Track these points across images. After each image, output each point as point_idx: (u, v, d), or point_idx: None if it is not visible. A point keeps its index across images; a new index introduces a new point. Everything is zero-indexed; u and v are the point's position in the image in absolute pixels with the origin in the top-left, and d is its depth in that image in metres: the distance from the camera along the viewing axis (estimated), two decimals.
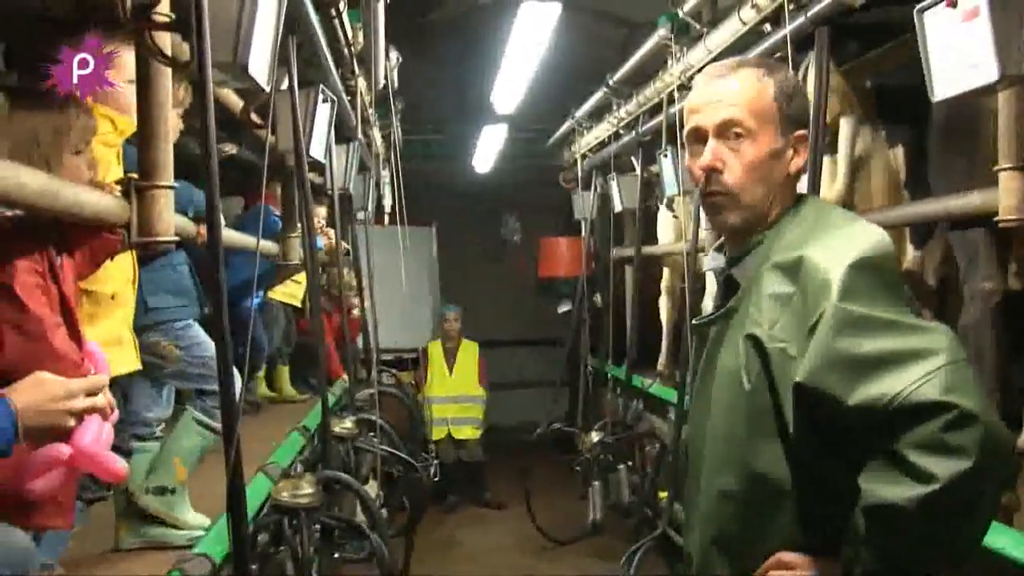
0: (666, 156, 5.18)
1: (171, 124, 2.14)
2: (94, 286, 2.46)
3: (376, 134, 6.28)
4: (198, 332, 3.12)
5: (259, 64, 2.19)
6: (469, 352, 8.80)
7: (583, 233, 8.06)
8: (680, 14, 4.48)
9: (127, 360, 2.63)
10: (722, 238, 1.93)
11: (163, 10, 1.96)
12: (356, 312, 6.04)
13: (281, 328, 5.67)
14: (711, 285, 5.21)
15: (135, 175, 2.05)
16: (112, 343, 2.47)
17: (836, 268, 1.58)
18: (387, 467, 5.15)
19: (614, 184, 6.89)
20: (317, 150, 3.76)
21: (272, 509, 3.23)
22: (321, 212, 5.36)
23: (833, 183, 3.74)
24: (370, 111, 5.45)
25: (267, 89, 2.32)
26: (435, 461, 5.77)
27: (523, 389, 10.43)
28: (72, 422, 1.72)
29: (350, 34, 4.22)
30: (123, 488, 2.83)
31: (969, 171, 2.63)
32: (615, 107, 6.38)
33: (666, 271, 6.47)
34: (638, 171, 6.33)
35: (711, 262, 1.93)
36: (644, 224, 6.49)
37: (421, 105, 8.00)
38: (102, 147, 2.30)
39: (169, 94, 2.12)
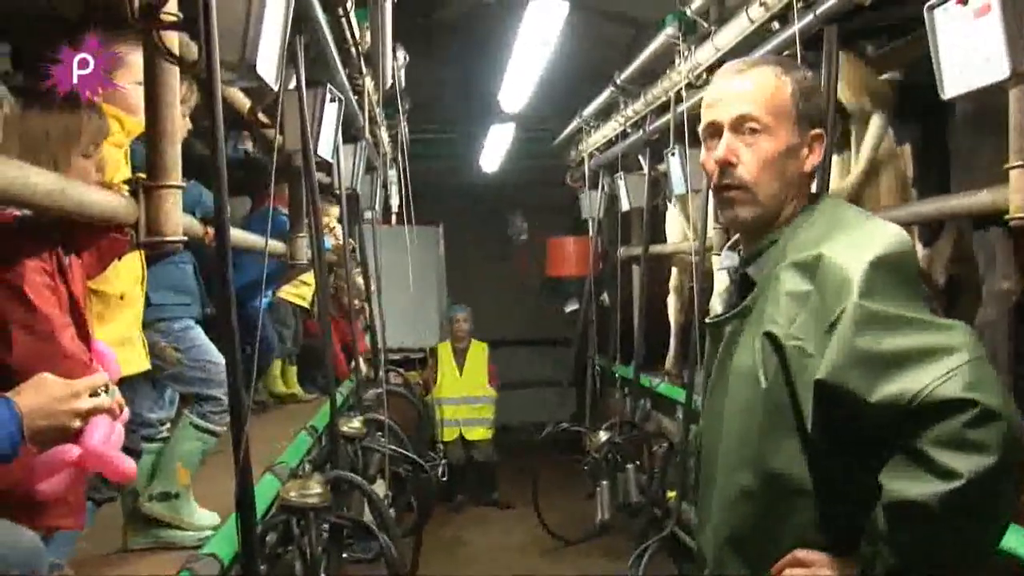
0: (674, 155, 5.17)
1: (178, 124, 2.14)
2: (102, 286, 2.45)
3: (383, 134, 6.28)
4: (198, 335, 3.11)
5: (267, 63, 2.19)
6: (479, 352, 8.79)
7: (590, 232, 8.06)
8: (688, 12, 4.47)
9: (136, 360, 2.63)
10: (736, 236, 1.93)
11: (171, 10, 1.96)
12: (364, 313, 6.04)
13: (291, 329, 5.68)
14: (719, 284, 5.19)
15: (143, 175, 2.05)
16: (121, 343, 2.47)
17: (855, 266, 1.58)
18: (395, 467, 5.14)
19: (621, 183, 6.88)
20: (325, 150, 3.76)
21: (280, 509, 3.22)
22: (333, 212, 5.36)
23: (842, 179, 3.74)
24: (377, 111, 5.45)
25: (275, 88, 2.32)
26: (443, 461, 5.75)
27: (530, 389, 10.42)
28: (78, 423, 1.72)
29: (357, 33, 4.22)
30: (131, 489, 2.83)
31: (996, 164, 2.61)
32: (622, 106, 6.37)
33: (674, 270, 6.47)
34: (645, 170, 6.32)
35: (725, 260, 1.92)
36: (651, 223, 6.48)
37: (428, 104, 7.99)
38: (110, 147, 2.30)
39: (177, 94, 2.11)
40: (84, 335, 2.05)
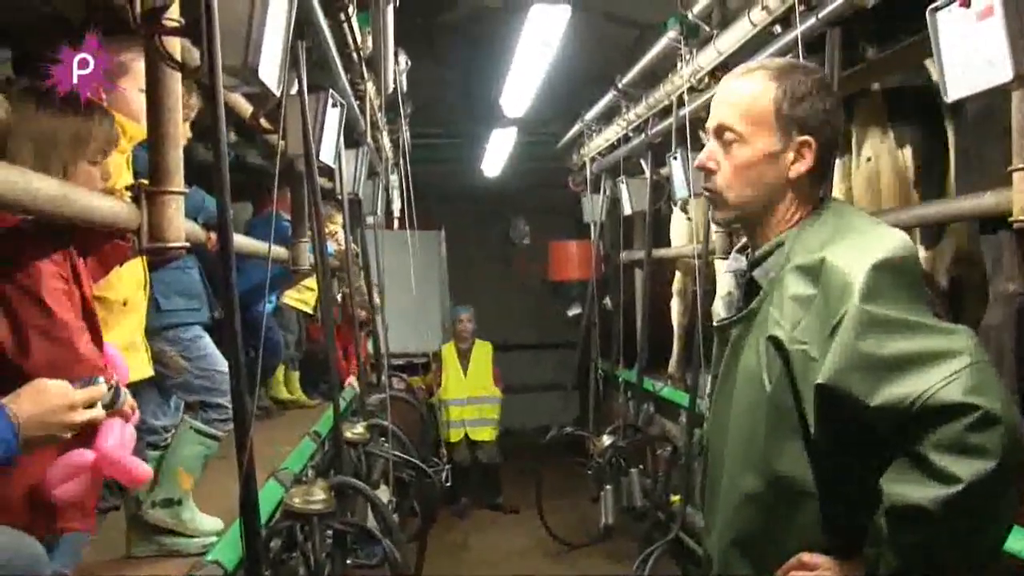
0: (676, 158, 5.17)
1: (180, 129, 2.14)
2: (105, 293, 2.45)
3: (385, 138, 6.28)
4: (206, 344, 3.12)
5: (269, 68, 2.18)
6: (483, 352, 8.79)
7: (592, 236, 8.05)
8: (690, 16, 4.47)
9: (140, 367, 2.63)
10: (743, 240, 1.93)
11: (173, 15, 1.95)
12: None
13: (295, 334, 5.68)
14: (721, 288, 5.17)
15: (145, 181, 2.05)
16: (124, 349, 2.47)
17: (858, 270, 1.58)
18: (398, 472, 5.13)
19: (623, 187, 6.88)
20: (327, 155, 3.76)
21: (285, 515, 3.22)
22: (337, 218, 5.36)
23: (843, 182, 3.74)
24: (379, 115, 5.45)
25: (277, 93, 2.32)
26: (447, 466, 5.75)
27: (534, 393, 10.42)
28: (69, 435, 1.73)
29: (359, 38, 4.22)
30: (134, 496, 2.82)
31: (1003, 166, 2.60)
32: (624, 109, 6.38)
33: (678, 274, 6.47)
34: (648, 174, 6.32)
35: (732, 263, 1.93)
36: (654, 227, 6.48)
37: (430, 108, 7.99)
38: (113, 153, 2.30)
39: (179, 99, 2.11)
40: (97, 338, 2.06)
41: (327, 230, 4.79)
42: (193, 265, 3.19)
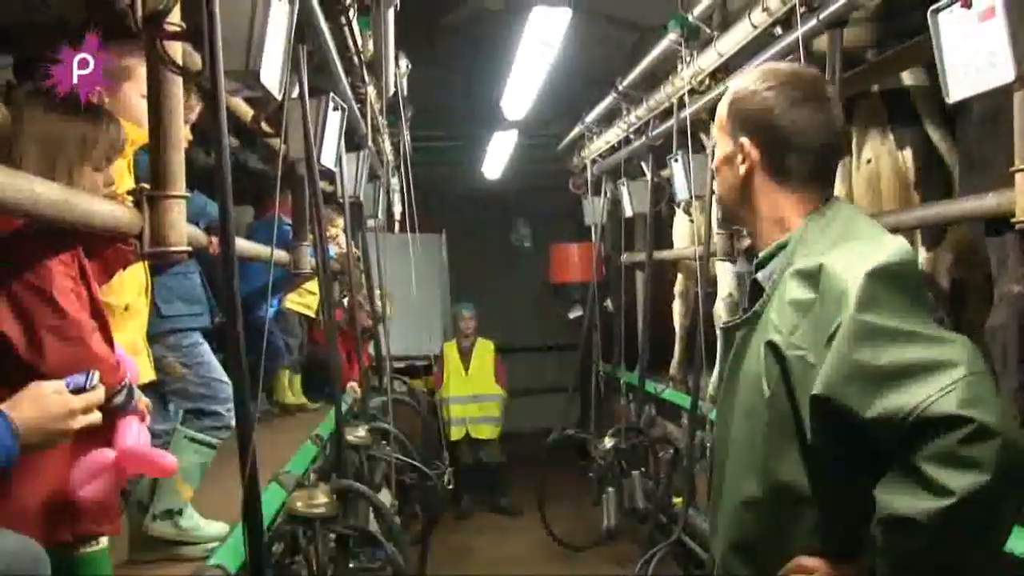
0: (677, 160, 5.17)
1: (182, 134, 2.13)
2: (107, 298, 2.45)
3: (386, 141, 6.28)
4: (205, 351, 3.12)
5: (271, 72, 2.19)
6: (485, 350, 8.79)
7: (593, 238, 8.05)
8: (690, 18, 4.46)
9: (142, 372, 2.63)
10: (749, 242, 1.95)
11: (174, 19, 1.95)
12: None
13: (298, 339, 5.69)
14: (722, 290, 5.20)
15: (147, 185, 2.05)
16: (127, 354, 2.47)
17: (855, 277, 1.57)
18: (400, 475, 5.13)
19: (624, 189, 6.88)
20: (328, 158, 3.76)
21: (287, 519, 3.22)
22: (339, 222, 5.36)
23: (843, 184, 3.73)
24: (380, 118, 5.45)
25: (279, 97, 2.32)
26: (449, 469, 5.74)
27: (535, 395, 10.41)
28: (67, 440, 1.73)
29: (360, 41, 4.22)
30: (136, 500, 2.82)
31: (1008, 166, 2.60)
32: (625, 112, 6.37)
33: (680, 276, 6.46)
34: (649, 176, 6.32)
35: (740, 265, 1.94)
36: (655, 229, 6.48)
37: (431, 111, 7.99)
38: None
39: (180, 104, 2.11)
40: (108, 338, 2.06)
41: (328, 233, 4.79)
42: (195, 270, 3.19)
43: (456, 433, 8.36)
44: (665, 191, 6.23)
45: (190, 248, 2.13)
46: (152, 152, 2.07)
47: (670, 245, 6.43)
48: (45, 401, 1.66)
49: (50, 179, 1.72)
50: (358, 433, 4.36)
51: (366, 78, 4.63)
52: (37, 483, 1.89)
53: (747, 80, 1.85)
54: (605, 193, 7.63)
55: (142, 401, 1.98)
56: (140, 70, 2.24)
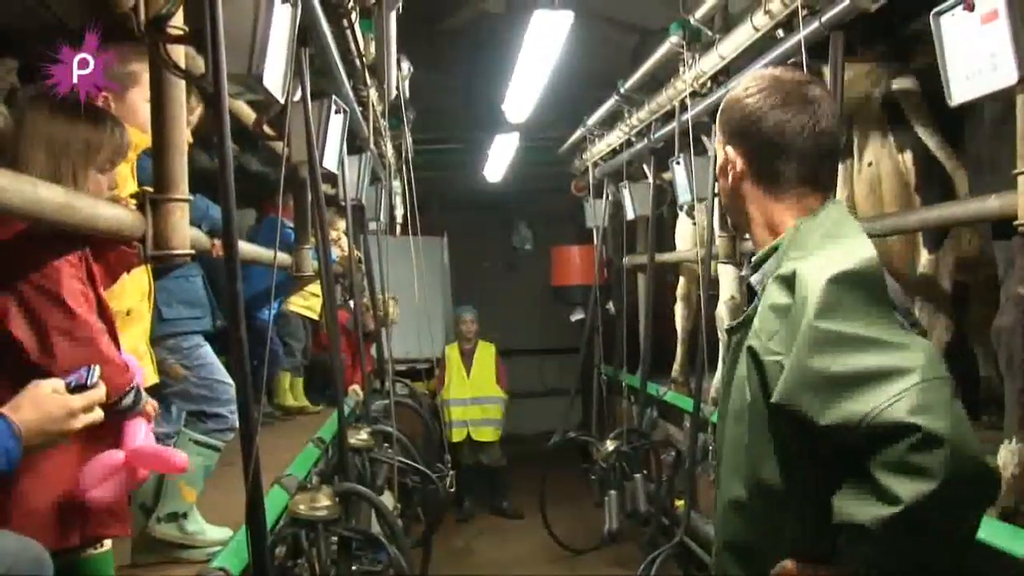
0: (679, 163, 5.17)
1: (185, 137, 2.14)
2: (110, 302, 2.45)
3: (388, 144, 6.28)
4: (206, 353, 3.12)
5: (274, 76, 2.19)
6: (486, 353, 8.79)
7: (595, 241, 8.05)
8: (692, 20, 4.46)
9: (145, 375, 2.63)
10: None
11: (177, 23, 1.96)
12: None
13: (302, 341, 5.69)
14: (724, 292, 5.21)
15: (150, 188, 2.05)
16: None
17: (816, 284, 1.58)
18: (402, 478, 5.13)
19: (626, 192, 6.88)
20: (330, 161, 3.76)
21: (290, 522, 3.22)
22: (340, 224, 5.36)
23: (845, 187, 3.73)
24: (382, 121, 5.45)
25: (282, 101, 2.32)
26: (451, 472, 5.74)
27: (536, 398, 10.42)
28: (66, 441, 1.74)
29: (362, 44, 4.22)
30: (140, 502, 2.83)
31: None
32: (627, 114, 6.37)
33: (682, 279, 6.47)
34: (650, 178, 6.32)
35: (745, 269, 1.94)
36: (657, 232, 6.48)
37: (432, 114, 7.99)
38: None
39: (183, 107, 2.12)
40: (115, 340, 2.07)
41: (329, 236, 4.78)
42: (196, 273, 3.19)
43: (457, 435, 8.36)
44: (667, 194, 6.24)
45: (193, 251, 2.14)
46: (155, 155, 2.07)
47: (672, 248, 6.44)
48: (45, 402, 1.67)
49: (55, 183, 1.72)
50: (360, 436, 4.36)
51: (368, 81, 4.62)
52: (47, 486, 1.90)
53: (735, 88, 1.87)
54: (607, 196, 7.64)
55: (149, 403, 1.98)
56: (145, 75, 2.24)
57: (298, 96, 3.32)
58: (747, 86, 1.83)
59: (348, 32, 3.86)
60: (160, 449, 1.98)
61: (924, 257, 3.55)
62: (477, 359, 8.74)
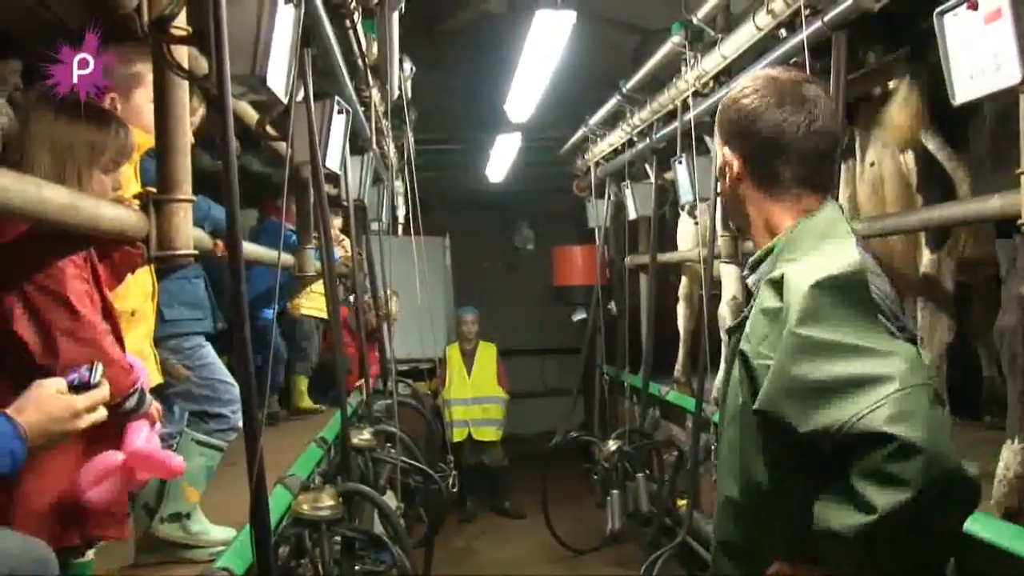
0: (681, 163, 5.17)
1: (188, 137, 2.14)
2: (115, 303, 2.45)
3: (390, 145, 6.28)
4: (208, 353, 3.12)
5: (277, 76, 2.19)
6: (487, 353, 8.80)
7: (597, 241, 8.05)
8: (694, 20, 4.46)
9: (149, 376, 2.63)
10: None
11: (180, 24, 1.96)
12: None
13: (315, 343, 5.70)
14: (726, 292, 5.21)
15: (154, 189, 2.05)
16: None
17: (799, 289, 1.57)
18: (405, 478, 5.13)
19: (628, 192, 6.88)
20: (332, 161, 3.76)
21: (293, 522, 3.22)
22: (336, 223, 5.36)
23: (847, 187, 3.74)
24: (384, 122, 5.45)
25: (285, 101, 2.32)
26: (453, 472, 5.75)
27: (538, 398, 10.42)
28: (67, 440, 1.74)
29: (364, 45, 4.22)
30: (143, 503, 2.83)
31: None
32: (629, 114, 6.37)
33: (684, 279, 6.46)
34: (652, 178, 6.32)
35: (747, 271, 1.94)
36: (659, 232, 6.48)
37: (434, 114, 7.99)
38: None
39: (186, 108, 2.11)
40: (119, 341, 2.07)
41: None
42: (198, 275, 3.19)
43: (458, 435, 8.36)
44: (669, 194, 6.25)
45: (196, 252, 2.14)
46: (158, 156, 2.07)
47: (674, 248, 6.44)
48: (48, 403, 1.67)
49: (59, 184, 1.72)
50: (363, 436, 4.36)
51: (370, 81, 4.63)
52: (48, 485, 1.90)
53: (733, 89, 1.87)
54: (609, 196, 7.64)
55: (153, 406, 1.98)
56: (150, 76, 2.25)
57: (301, 96, 3.33)
58: (744, 87, 1.82)
59: (350, 32, 3.86)
60: (158, 452, 1.98)
61: (926, 257, 3.54)
62: (478, 359, 8.74)
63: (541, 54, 5.41)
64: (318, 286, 5.03)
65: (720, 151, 1.87)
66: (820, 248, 1.69)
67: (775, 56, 3.61)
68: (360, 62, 4.29)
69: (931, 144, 3.38)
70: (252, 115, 3.39)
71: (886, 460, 1.43)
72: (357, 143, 4.88)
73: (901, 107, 3.40)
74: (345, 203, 4.66)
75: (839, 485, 1.50)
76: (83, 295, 1.96)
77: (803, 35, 3.29)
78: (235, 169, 1.96)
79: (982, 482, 1.54)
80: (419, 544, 5.36)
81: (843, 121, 3.27)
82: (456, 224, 10.14)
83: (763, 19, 3.72)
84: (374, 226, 6.16)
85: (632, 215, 6.99)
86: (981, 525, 2.59)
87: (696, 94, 4.74)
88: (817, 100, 1.78)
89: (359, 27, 3.96)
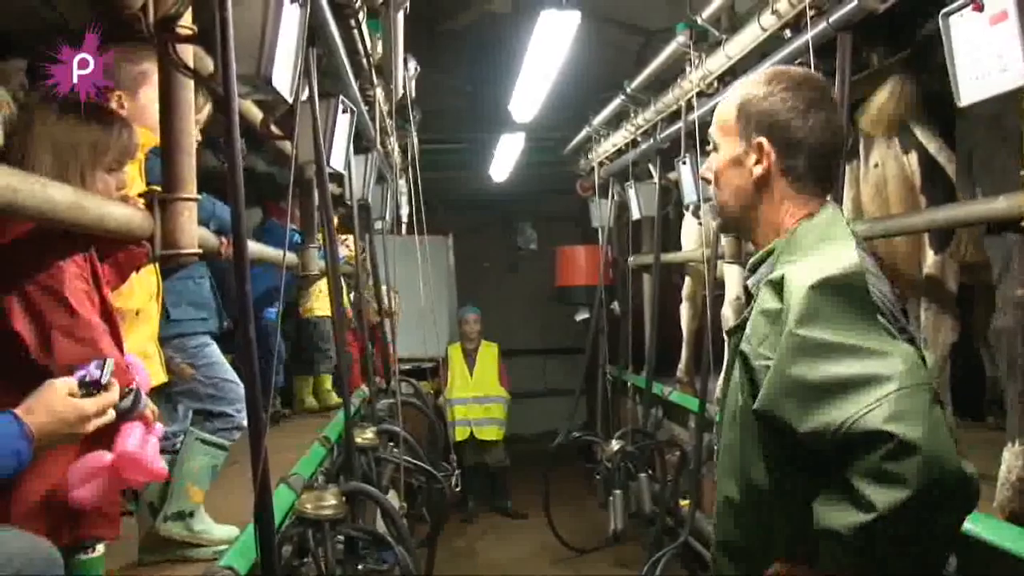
0: (685, 163, 5.17)
1: (193, 136, 2.14)
2: (119, 302, 2.45)
3: (394, 144, 6.29)
4: (213, 352, 3.12)
5: (282, 76, 2.19)
6: (489, 353, 8.81)
7: (600, 241, 8.05)
8: (699, 21, 4.46)
9: (154, 374, 2.63)
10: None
11: (186, 23, 1.96)
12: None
13: (330, 343, 5.70)
14: (730, 292, 5.21)
15: (158, 188, 2.06)
16: (139, 358, 2.47)
17: (798, 290, 1.58)
18: (408, 477, 5.14)
19: (632, 192, 6.88)
20: (337, 161, 3.76)
21: (296, 521, 3.22)
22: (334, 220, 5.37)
23: (851, 188, 3.73)
24: (388, 121, 5.45)
25: (290, 101, 2.32)
26: (457, 471, 5.75)
27: (540, 398, 10.42)
28: (75, 441, 1.76)
29: (369, 44, 4.22)
30: (148, 502, 2.83)
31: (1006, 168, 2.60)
32: (632, 115, 6.37)
33: (688, 279, 6.46)
34: (656, 179, 6.32)
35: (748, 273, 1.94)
36: (662, 232, 6.48)
37: (437, 114, 7.99)
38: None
39: (192, 107, 2.12)
40: (117, 342, 2.06)
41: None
42: (204, 275, 3.19)
43: (460, 434, 8.36)
44: (673, 194, 6.24)
45: (201, 250, 2.14)
46: (163, 155, 2.07)
47: (677, 248, 6.43)
48: (58, 406, 1.68)
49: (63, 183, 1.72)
50: (366, 435, 4.36)
51: (375, 81, 4.63)
52: (39, 484, 1.89)
53: (757, 82, 1.84)
54: (612, 196, 7.63)
55: (148, 407, 1.98)
56: (157, 75, 2.25)
57: (305, 96, 3.33)
58: (777, 81, 1.80)
59: (355, 32, 3.86)
60: (146, 456, 1.96)
61: (930, 258, 3.53)
62: (480, 359, 8.75)
63: (546, 54, 5.41)
64: (323, 285, 5.03)
65: (733, 142, 1.83)
66: (819, 250, 1.69)
67: (780, 56, 3.60)
68: (364, 61, 4.29)
69: (931, 146, 3.38)
70: (256, 114, 3.40)
71: (885, 459, 1.43)
72: (361, 143, 4.88)
73: (888, 97, 3.37)
74: (349, 202, 4.66)
75: (838, 484, 1.50)
76: (82, 295, 1.96)
77: (808, 36, 3.29)
78: (240, 168, 1.96)
79: (985, 483, 1.55)
80: (421, 544, 5.37)
81: (848, 124, 3.27)
82: (458, 224, 10.14)
83: (768, 20, 3.72)
84: (377, 225, 6.16)
85: (635, 215, 6.99)
86: (983, 527, 2.59)
87: (700, 94, 4.74)
88: (835, 102, 1.82)
89: (364, 26, 3.96)
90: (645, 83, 5.85)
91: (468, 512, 8.36)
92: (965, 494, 1.48)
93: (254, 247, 3.09)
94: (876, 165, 3.66)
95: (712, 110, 4.52)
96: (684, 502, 5.61)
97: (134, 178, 2.41)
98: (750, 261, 1.86)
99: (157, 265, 2.53)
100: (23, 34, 2.79)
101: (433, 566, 5.46)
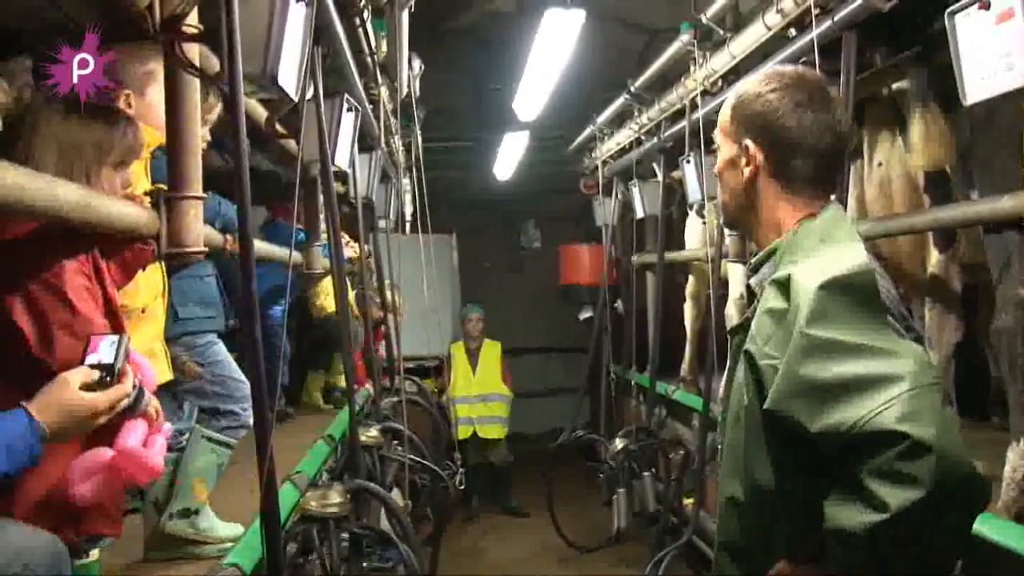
0: (689, 162, 5.16)
1: (199, 135, 2.14)
2: (124, 301, 2.45)
3: (398, 143, 6.29)
4: (220, 351, 3.13)
5: (288, 75, 2.19)
6: (492, 351, 8.82)
7: (604, 240, 8.05)
8: (703, 19, 4.46)
9: (160, 373, 2.63)
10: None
11: (192, 22, 1.96)
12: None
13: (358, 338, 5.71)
14: (733, 291, 5.20)
15: (164, 186, 2.06)
16: (145, 356, 2.47)
17: (807, 290, 1.58)
18: (412, 475, 5.14)
19: (636, 191, 6.88)
20: (341, 159, 3.76)
21: (301, 519, 3.23)
22: None
23: (855, 187, 3.72)
24: (392, 120, 5.45)
25: (296, 100, 2.32)
26: (461, 470, 5.75)
27: (543, 397, 10.42)
28: (87, 431, 1.76)
29: (373, 43, 4.22)
30: (153, 499, 2.83)
31: (1015, 169, 2.60)
32: (636, 113, 6.37)
33: (691, 278, 6.46)
34: (660, 177, 6.31)
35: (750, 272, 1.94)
36: (666, 231, 6.48)
37: (442, 113, 8.00)
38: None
39: (197, 106, 2.12)
40: None
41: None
42: (211, 273, 3.20)
43: (463, 432, 8.36)
44: (677, 193, 6.24)
45: (206, 249, 2.14)
46: (169, 153, 2.08)
47: (681, 247, 6.43)
48: (71, 402, 1.68)
49: None
50: (370, 433, 4.36)
51: (379, 79, 4.63)
52: (42, 481, 1.89)
53: (751, 83, 1.86)
54: (616, 195, 7.63)
55: (151, 405, 1.98)
56: (162, 75, 2.25)
57: (310, 94, 3.33)
58: (768, 81, 1.82)
59: (360, 31, 3.86)
60: (145, 454, 1.96)
61: (934, 257, 3.53)
62: (483, 357, 8.76)
63: (550, 52, 5.41)
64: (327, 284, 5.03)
65: (730, 143, 1.86)
66: (821, 250, 1.70)
67: (784, 55, 3.59)
68: (369, 60, 4.29)
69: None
70: (261, 113, 3.40)
71: (898, 459, 1.43)
72: (365, 141, 4.88)
73: (925, 138, 3.31)
74: (353, 201, 4.66)
75: (849, 485, 1.50)
76: (82, 290, 1.96)
77: (813, 34, 3.28)
78: (247, 167, 1.96)
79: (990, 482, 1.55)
80: (425, 542, 5.37)
81: (852, 122, 3.27)
82: (462, 223, 10.15)
83: (772, 18, 3.71)
84: (381, 224, 6.16)
85: (639, 214, 6.99)
86: (989, 526, 2.59)
87: (704, 93, 4.73)
88: (837, 101, 1.82)
89: (368, 25, 3.96)
90: (649, 82, 5.84)
91: (471, 511, 8.36)
92: (977, 494, 1.49)
93: (260, 246, 3.09)
94: (880, 164, 3.66)
95: (716, 109, 4.56)
96: (688, 501, 5.61)
97: (139, 176, 2.41)
98: (752, 260, 1.87)
99: (163, 264, 2.53)
100: (29, 33, 2.79)
101: (437, 564, 5.46)
